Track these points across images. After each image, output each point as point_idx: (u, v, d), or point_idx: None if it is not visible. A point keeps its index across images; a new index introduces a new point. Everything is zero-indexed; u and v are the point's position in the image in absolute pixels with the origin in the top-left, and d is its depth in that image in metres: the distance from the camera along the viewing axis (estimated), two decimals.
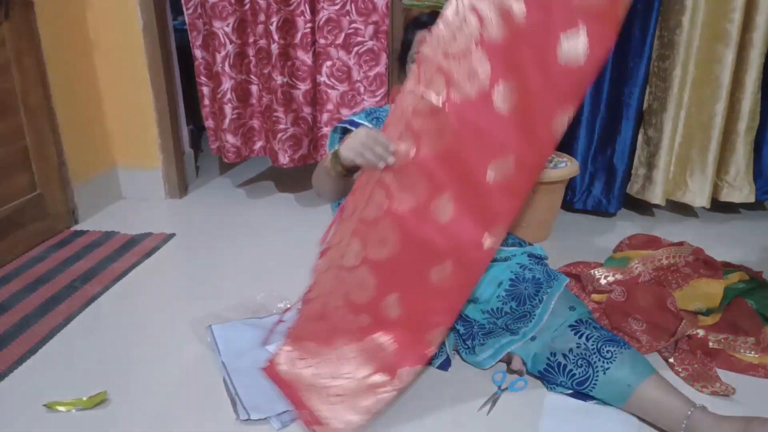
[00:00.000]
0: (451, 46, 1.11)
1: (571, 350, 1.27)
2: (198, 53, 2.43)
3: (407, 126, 1.15)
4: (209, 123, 2.54)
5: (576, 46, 1.05)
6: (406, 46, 1.54)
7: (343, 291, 1.27)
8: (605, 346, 1.24)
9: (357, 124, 1.50)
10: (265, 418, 1.22)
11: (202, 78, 2.46)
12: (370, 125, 1.51)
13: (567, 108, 1.07)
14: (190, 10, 2.37)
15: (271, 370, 1.33)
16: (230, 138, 2.55)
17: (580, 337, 1.27)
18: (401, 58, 1.56)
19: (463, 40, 1.10)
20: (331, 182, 1.36)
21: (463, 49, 1.10)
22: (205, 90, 2.48)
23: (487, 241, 1.13)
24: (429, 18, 1.48)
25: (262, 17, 2.31)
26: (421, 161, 1.15)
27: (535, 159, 1.12)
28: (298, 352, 1.33)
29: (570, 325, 1.30)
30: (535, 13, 1.06)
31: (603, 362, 1.23)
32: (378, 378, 1.22)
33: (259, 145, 2.58)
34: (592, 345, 1.25)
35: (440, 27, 1.12)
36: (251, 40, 2.39)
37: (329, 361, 1.28)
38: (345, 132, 1.56)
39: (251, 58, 2.43)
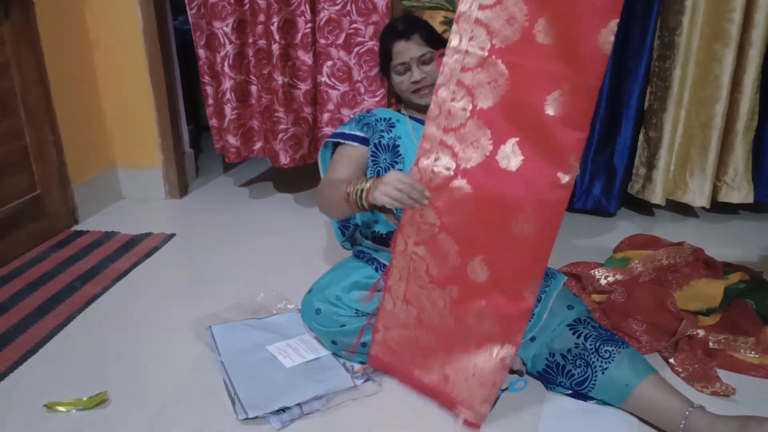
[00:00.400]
0: None
1: (569, 350, 1.27)
2: (201, 53, 2.43)
3: (458, 83, 1.16)
4: (213, 122, 2.55)
5: None
6: (386, 56, 1.49)
7: (422, 269, 1.24)
8: (603, 346, 1.24)
9: (350, 137, 1.51)
10: (263, 416, 1.22)
11: (206, 77, 2.47)
12: (362, 133, 1.51)
13: (608, 21, 1.07)
14: (194, 10, 2.38)
15: (376, 362, 1.35)
16: (230, 138, 2.55)
17: (578, 337, 1.27)
18: (383, 68, 1.52)
19: None
20: (345, 211, 1.36)
21: None
22: (209, 89, 2.49)
23: (564, 178, 1.12)
24: (403, 27, 1.45)
25: (262, 17, 2.31)
26: (480, 114, 1.15)
27: (588, 81, 1.10)
28: (391, 342, 1.32)
29: (568, 325, 1.31)
30: None
31: (601, 362, 1.23)
32: (501, 350, 1.19)
33: (258, 145, 2.58)
34: (591, 345, 1.25)
35: None
36: (251, 40, 2.39)
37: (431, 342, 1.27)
38: (336, 146, 1.56)
39: (251, 58, 2.43)
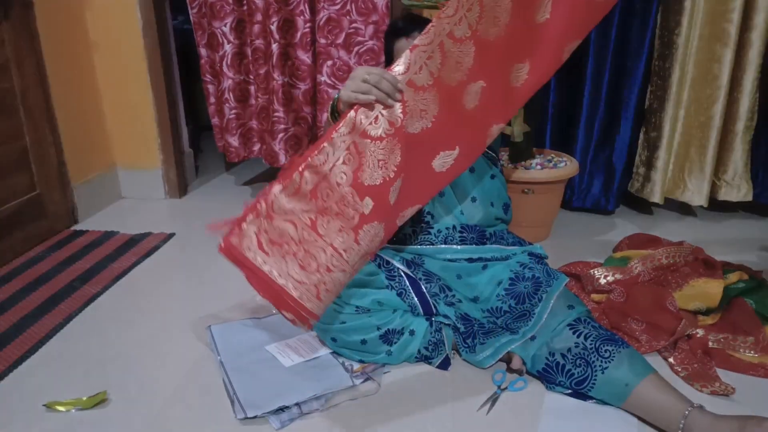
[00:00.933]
0: None
1: (569, 350, 1.27)
2: (203, 52, 2.45)
3: (440, 45, 1.17)
4: (215, 121, 2.56)
5: None
6: (388, 55, 1.51)
7: (350, 167, 1.11)
8: (603, 345, 1.24)
9: None
10: (262, 416, 1.22)
11: (208, 76, 2.48)
12: None
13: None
14: (195, 10, 2.38)
15: (228, 250, 1.13)
16: (230, 138, 2.56)
17: (578, 337, 1.27)
18: (387, 66, 1.54)
19: None
20: None
21: None
22: (211, 88, 2.51)
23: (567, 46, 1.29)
24: (404, 25, 1.46)
25: (260, 17, 2.31)
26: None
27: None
28: (266, 235, 1.10)
29: (568, 324, 1.31)
30: None
31: (601, 362, 1.23)
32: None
33: (257, 146, 2.59)
34: (591, 344, 1.25)
35: None
36: (249, 40, 2.39)
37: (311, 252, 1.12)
38: None
39: (250, 58, 2.43)
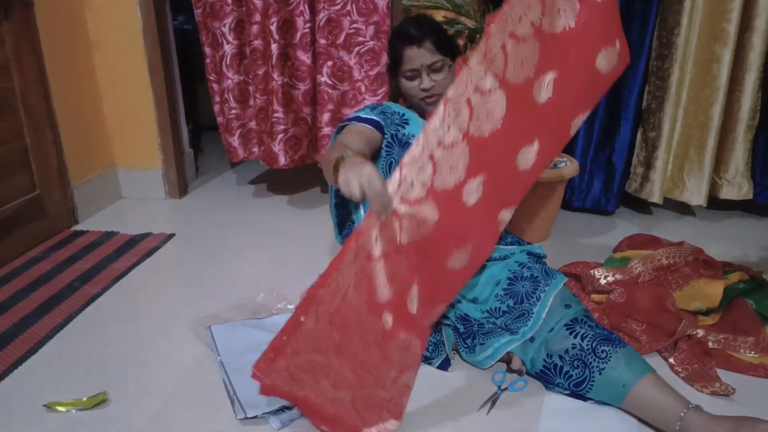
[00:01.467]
0: (518, 28, 1.14)
1: (566, 351, 1.27)
2: (208, 51, 2.46)
3: (430, 157, 1.11)
4: (220, 119, 2.58)
5: (612, 58, 1.28)
6: (395, 60, 1.47)
7: (366, 289, 1.11)
8: (600, 346, 1.24)
9: (366, 120, 1.48)
10: (262, 416, 1.22)
11: (212, 75, 2.50)
12: (378, 119, 1.48)
13: (587, 109, 1.24)
14: (200, 10, 2.39)
15: (272, 390, 1.11)
16: (230, 138, 2.56)
17: (575, 337, 1.27)
18: (391, 71, 1.51)
19: (527, 26, 1.16)
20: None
21: (525, 34, 1.16)
22: (215, 86, 2.52)
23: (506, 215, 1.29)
24: (414, 32, 1.41)
25: (259, 17, 2.31)
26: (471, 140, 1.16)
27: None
28: (295, 369, 1.10)
29: (565, 325, 1.30)
30: (587, 22, 1.23)
31: (598, 362, 1.23)
32: (409, 375, 1.19)
33: (257, 148, 2.59)
34: (587, 344, 1.25)
35: (510, 5, 1.13)
36: (248, 40, 2.40)
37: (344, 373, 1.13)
38: None
39: (249, 58, 2.44)
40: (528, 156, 1.21)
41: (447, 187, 1.13)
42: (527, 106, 1.20)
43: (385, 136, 1.49)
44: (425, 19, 1.50)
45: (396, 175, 1.09)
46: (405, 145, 1.48)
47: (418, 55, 1.42)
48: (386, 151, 1.48)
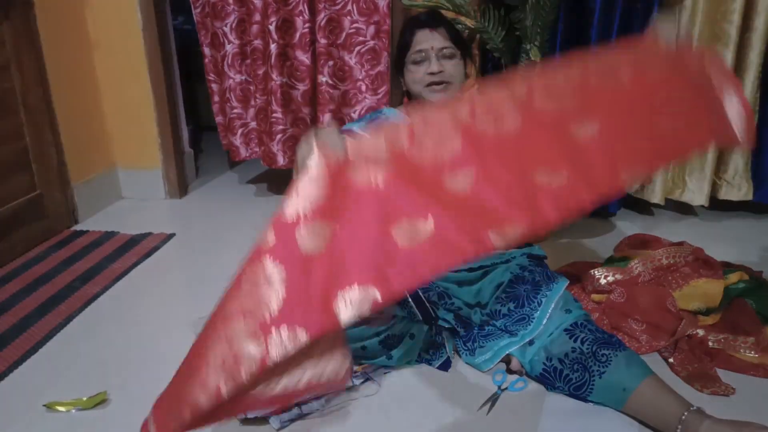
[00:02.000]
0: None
1: (566, 355, 1.27)
2: (207, 51, 2.46)
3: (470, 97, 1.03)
4: (219, 119, 2.57)
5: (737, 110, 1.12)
6: (403, 47, 1.42)
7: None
8: (600, 350, 1.24)
9: (355, 134, 1.47)
10: (263, 417, 1.22)
11: (211, 75, 2.50)
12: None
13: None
14: (198, 9, 2.39)
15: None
16: (232, 138, 2.56)
17: (575, 341, 1.27)
18: (398, 60, 1.45)
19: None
20: None
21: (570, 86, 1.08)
22: (215, 86, 2.52)
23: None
24: (428, 18, 1.41)
25: (259, 17, 2.31)
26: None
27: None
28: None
29: (565, 329, 1.30)
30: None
31: (598, 366, 1.23)
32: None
33: (258, 147, 2.59)
34: (588, 348, 1.25)
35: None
36: (249, 40, 2.40)
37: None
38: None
39: (250, 58, 2.44)
40: (551, 179, 1.00)
41: (422, 159, 0.98)
42: (555, 132, 1.04)
43: None
44: (441, 14, 1.47)
45: (367, 133, 1.00)
46: None
47: (430, 38, 1.37)
48: None
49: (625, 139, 1.08)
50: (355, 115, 2.42)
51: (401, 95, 1.58)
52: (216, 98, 2.54)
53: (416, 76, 1.40)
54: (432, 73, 1.37)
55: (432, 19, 1.40)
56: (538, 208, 0.98)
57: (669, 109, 1.11)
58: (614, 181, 1.04)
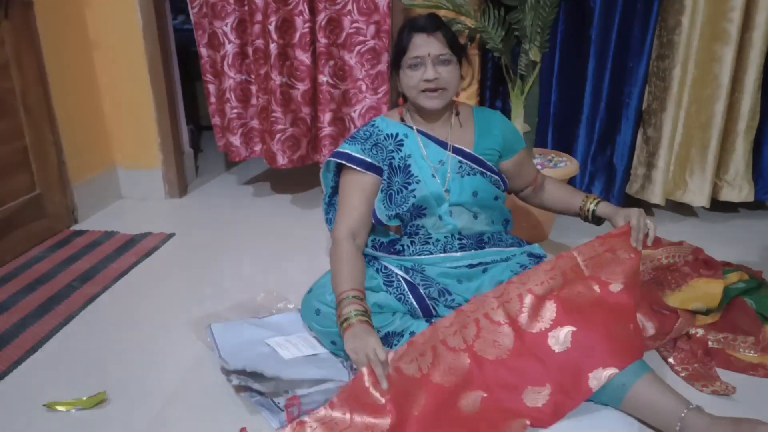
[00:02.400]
0: (536, 288, 1.31)
1: None
2: (204, 51, 2.45)
3: (475, 321, 1.29)
4: (215, 120, 2.57)
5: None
6: (400, 50, 1.40)
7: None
8: None
9: (357, 161, 1.43)
10: (259, 410, 1.22)
11: (208, 76, 2.49)
12: (370, 159, 1.44)
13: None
14: (195, 9, 2.39)
15: None
16: (231, 137, 2.56)
17: None
18: (395, 62, 1.43)
19: (544, 288, 1.32)
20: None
21: (543, 293, 1.31)
22: (211, 88, 2.51)
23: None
24: (426, 22, 1.38)
25: (259, 17, 2.31)
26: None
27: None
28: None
29: None
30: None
31: None
32: None
33: (259, 146, 2.59)
34: None
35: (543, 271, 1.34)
36: (250, 40, 2.39)
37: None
38: (339, 167, 1.49)
39: (251, 58, 2.43)
40: (536, 396, 1.23)
41: (442, 383, 1.23)
42: (538, 352, 1.25)
43: (384, 172, 1.45)
44: (439, 17, 1.46)
45: (402, 348, 1.23)
46: (404, 169, 1.43)
47: (427, 43, 1.36)
48: (386, 183, 1.45)
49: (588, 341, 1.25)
50: (355, 115, 2.42)
51: (398, 95, 1.57)
52: (212, 99, 2.52)
53: (412, 81, 1.39)
54: (428, 80, 1.37)
55: (430, 23, 1.38)
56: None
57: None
58: (583, 386, 1.22)
